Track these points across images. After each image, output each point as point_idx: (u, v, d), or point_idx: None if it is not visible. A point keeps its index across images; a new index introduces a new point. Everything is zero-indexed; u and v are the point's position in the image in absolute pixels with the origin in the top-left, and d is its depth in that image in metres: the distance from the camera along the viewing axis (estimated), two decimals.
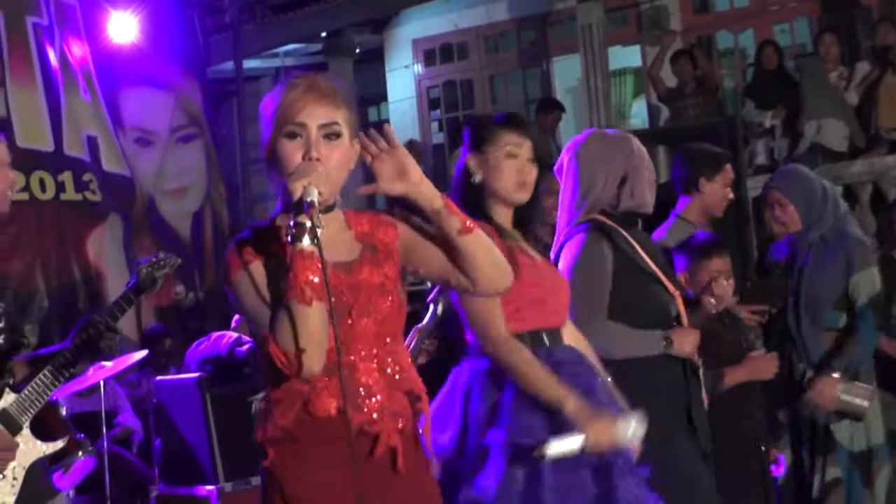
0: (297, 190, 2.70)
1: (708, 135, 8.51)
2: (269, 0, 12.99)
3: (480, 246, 2.91)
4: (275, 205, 3.00)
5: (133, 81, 10.64)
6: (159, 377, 7.74)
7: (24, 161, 9.19)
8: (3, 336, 4.34)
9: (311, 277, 2.70)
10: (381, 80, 14.56)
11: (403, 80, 14.38)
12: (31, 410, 4.27)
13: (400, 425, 2.90)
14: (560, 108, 11.85)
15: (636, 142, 4.42)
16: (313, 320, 2.71)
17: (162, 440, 7.16)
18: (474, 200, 3.75)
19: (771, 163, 10.56)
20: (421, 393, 2.96)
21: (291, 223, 2.69)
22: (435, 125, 14.62)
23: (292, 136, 2.86)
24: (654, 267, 4.34)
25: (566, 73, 13.59)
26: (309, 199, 2.68)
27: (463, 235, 2.86)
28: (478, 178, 3.78)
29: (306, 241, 2.68)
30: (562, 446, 3.44)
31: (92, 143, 9.88)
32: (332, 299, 2.74)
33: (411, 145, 13.13)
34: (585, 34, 11.64)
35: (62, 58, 9.72)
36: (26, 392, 4.25)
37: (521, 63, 14.00)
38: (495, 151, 3.76)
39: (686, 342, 4.28)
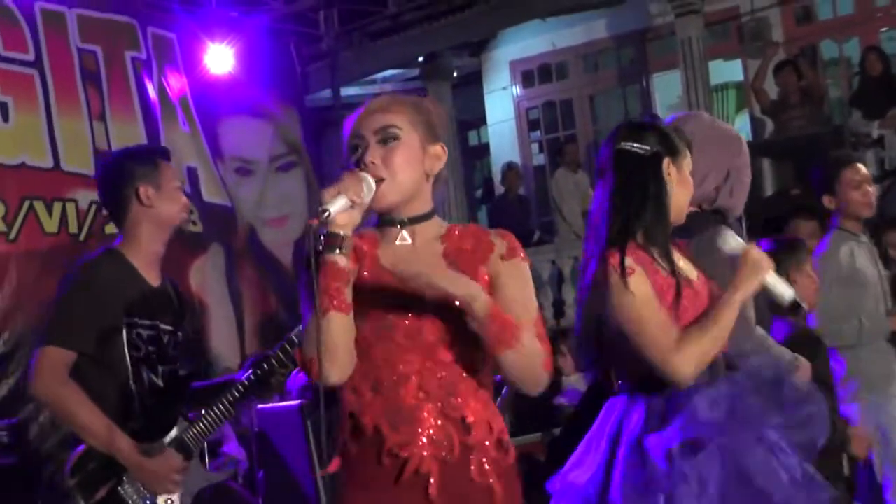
0: (324, 199, 2.69)
1: (814, 146, 8.36)
2: (366, 27, 12.99)
3: (517, 363, 2.79)
4: None
5: (231, 111, 10.69)
6: (261, 405, 7.71)
7: None
8: (179, 363, 4.46)
9: (337, 286, 2.71)
10: (479, 103, 14.53)
11: (502, 102, 14.33)
12: (203, 439, 4.37)
13: (443, 454, 2.81)
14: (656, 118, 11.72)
15: (744, 141, 4.23)
16: (331, 329, 2.71)
17: (265, 470, 7.11)
18: (663, 213, 3.49)
19: (881, 173, 10.31)
20: (475, 424, 2.84)
21: (321, 232, 2.71)
22: (535, 146, 14.53)
23: (354, 150, 2.89)
24: None
25: (666, 89, 13.42)
26: (323, 208, 2.67)
27: (500, 351, 2.76)
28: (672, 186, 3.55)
29: (332, 251, 2.70)
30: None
31: (192, 174, 9.93)
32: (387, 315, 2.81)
33: (510, 168, 13.06)
34: (685, 49, 11.48)
35: (161, 90, 9.80)
36: (201, 422, 4.34)
37: (621, 81, 13.89)
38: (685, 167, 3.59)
39: (805, 373, 4.11)
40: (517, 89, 14.31)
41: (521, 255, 2.95)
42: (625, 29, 13.33)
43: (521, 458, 3.48)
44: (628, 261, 3.32)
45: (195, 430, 4.34)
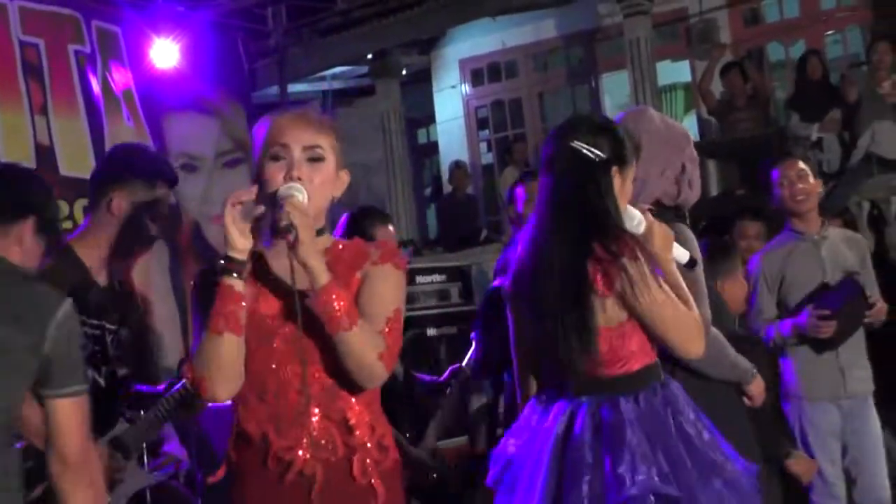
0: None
1: (758, 147, 8.40)
2: (315, 23, 12.93)
3: (349, 347, 2.88)
4: None
5: (177, 107, 10.58)
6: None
7: (68, 189, 9.14)
8: (121, 363, 4.40)
9: (232, 308, 2.81)
10: (429, 101, 14.53)
11: (451, 100, 14.32)
12: (143, 440, 4.35)
13: (326, 455, 2.91)
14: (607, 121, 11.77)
15: (690, 136, 4.25)
16: (224, 350, 2.82)
17: (204, 469, 7.05)
18: (611, 219, 3.47)
19: (820, 176, 10.34)
20: (357, 425, 2.95)
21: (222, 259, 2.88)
22: (484, 145, 14.52)
23: (276, 158, 2.94)
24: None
25: (615, 89, 13.46)
26: (286, 224, 2.81)
27: (333, 331, 2.87)
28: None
29: (230, 275, 2.83)
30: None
31: None
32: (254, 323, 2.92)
33: (458, 167, 13.04)
34: (633, 49, 11.51)
35: (105, 85, 9.68)
36: (141, 423, 4.31)
37: (570, 80, 13.92)
38: (629, 177, 3.58)
39: (761, 390, 4.19)
40: (466, 87, 14.31)
41: (395, 261, 3.05)
42: (574, 29, 13.36)
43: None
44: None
45: (135, 431, 4.29)
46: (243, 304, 2.83)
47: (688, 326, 3.37)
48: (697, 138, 12.42)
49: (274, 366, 2.91)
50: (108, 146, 9.51)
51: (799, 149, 10.35)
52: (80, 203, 9.22)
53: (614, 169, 3.44)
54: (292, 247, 2.78)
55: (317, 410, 2.90)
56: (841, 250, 5.68)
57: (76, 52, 9.51)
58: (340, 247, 3.08)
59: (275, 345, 2.91)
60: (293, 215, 2.78)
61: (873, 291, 5.65)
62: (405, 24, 12.71)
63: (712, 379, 3.93)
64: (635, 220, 3.44)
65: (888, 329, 5.75)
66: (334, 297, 2.83)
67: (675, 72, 13.51)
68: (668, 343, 3.38)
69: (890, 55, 10.12)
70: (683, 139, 4.12)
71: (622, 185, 3.47)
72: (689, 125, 13.32)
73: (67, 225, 8.94)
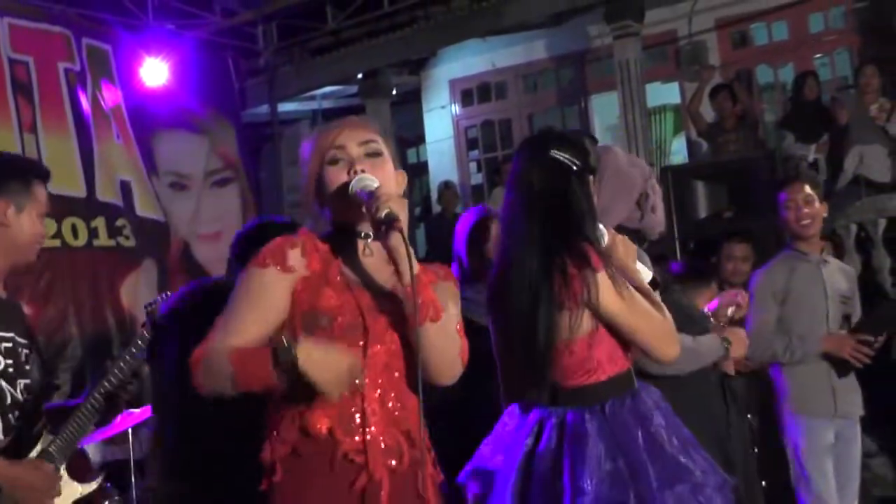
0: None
1: (747, 169, 8.41)
2: (305, 42, 12.95)
3: (438, 340, 2.84)
4: None
5: (167, 125, 10.61)
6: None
7: (57, 207, 9.11)
8: (36, 378, 4.23)
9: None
10: (418, 121, 14.53)
11: (441, 120, 14.33)
12: (68, 453, 4.20)
13: (392, 464, 2.83)
14: (588, 135, 11.82)
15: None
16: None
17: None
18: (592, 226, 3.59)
19: None
20: (418, 439, 2.85)
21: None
22: (473, 165, 14.53)
23: (334, 161, 2.90)
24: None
25: (605, 110, 13.47)
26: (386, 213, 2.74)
27: (424, 321, 2.81)
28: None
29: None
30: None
31: (125, 188, 9.83)
32: (348, 318, 2.83)
33: (447, 187, 13.04)
34: (623, 71, 11.51)
35: (94, 102, 9.70)
36: (64, 434, 4.17)
37: (560, 101, 13.92)
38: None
39: (741, 342, 4.35)
40: (456, 108, 14.31)
41: (454, 281, 3.04)
42: (564, 50, 13.37)
43: None
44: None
45: (59, 443, 4.16)
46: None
47: (663, 331, 3.46)
48: (687, 160, 12.47)
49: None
50: (97, 164, 9.53)
51: (793, 169, 10.42)
52: (69, 221, 9.24)
53: (591, 178, 3.55)
54: (395, 234, 2.73)
55: (384, 415, 2.84)
56: (837, 277, 5.76)
57: (66, 70, 9.53)
58: None
59: (354, 348, 2.82)
60: (392, 203, 2.73)
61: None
62: (395, 45, 12.73)
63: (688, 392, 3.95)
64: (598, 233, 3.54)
65: (878, 353, 5.77)
66: (429, 291, 2.82)
67: (664, 93, 13.52)
68: (645, 348, 3.47)
69: (877, 78, 10.15)
70: (646, 172, 4.31)
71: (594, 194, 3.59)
72: (679, 147, 13.40)
73: (55, 243, 8.95)
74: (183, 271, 10.40)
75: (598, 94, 13.44)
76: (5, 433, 4.02)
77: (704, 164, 10.79)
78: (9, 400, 4.06)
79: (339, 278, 2.86)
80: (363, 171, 2.85)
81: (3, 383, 4.06)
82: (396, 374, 2.87)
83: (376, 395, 2.82)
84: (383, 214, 2.71)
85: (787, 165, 10.36)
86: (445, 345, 2.86)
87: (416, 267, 2.75)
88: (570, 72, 13.77)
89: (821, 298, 5.64)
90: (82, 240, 9.29)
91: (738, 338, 4.37)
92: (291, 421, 2.82)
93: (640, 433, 3.36)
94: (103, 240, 9.48)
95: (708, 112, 11.50)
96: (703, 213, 8.21)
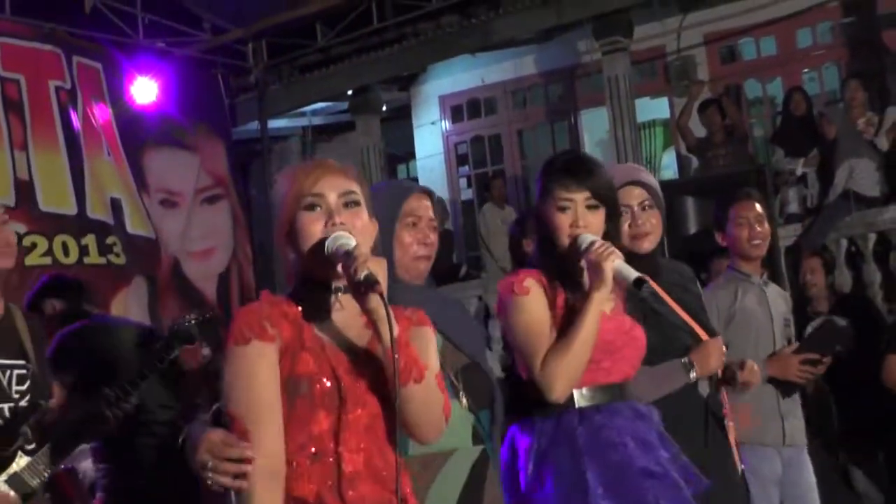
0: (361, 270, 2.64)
1: (737, 184, 8.42)
2: (295, 59, 12.98)
3: (422, 400, 2.77)
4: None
5: (157, 143, 10.62)
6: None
7: (47, 225, 9.17)
8: (26, 397, 4.23)
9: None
10: (408, 137, 14.55)
11: (431, 136, 14.35)
12: (44, 475, 4.15)
13: None
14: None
15: None
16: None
17: None
18: (545, 250, 3.68)
19: (804, 211, 10.43)
20: (408, 497, 2.81)
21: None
22: (463, 181, 14.55)
23: (311, 207, 2.78)
24: (680, 312, 4.17)
25: (594, 125, 13.50)
26: (365, 275, 2.63)
27: (407, 382, 2.72)
28: (529, 247, 3.72)
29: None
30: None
31: (116, 206, 9.83)
32: (326, 384, 2.72)
33: (437, 202, 13.04)
34: (612, 86, 11.55)
35: (85, 120, 9.71)
36: (38, 456, 4.15)
37: (549, 117, 13.95)
38: (548, 205, 3.66)
39: (710, 358, 4.06)
40: (446, 124, 14.34)
41: (429, 325, 2.96)
42: (553, 65, 13.41)
43: None
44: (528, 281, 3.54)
45: (35, 467, 4.15)
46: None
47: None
48: (676, 175, 12.50)
49: (334, 430, 2.72)
50: (87, 181, 9.54)
51: (783, 183, 10.46)
52: (60, 239, 9.24)
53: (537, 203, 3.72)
54: (375, 297, 2.64)
55: (373, 477, 2.74)
56: (778, 300, 5.62)
57: (57, 88, 9.55)
58: None
59: (337, 410, 2.73)
60: (371, 264, 2.64)
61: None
62: (385, 61, 12.77)
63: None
64: (586, 241, 3.57)
65: (857, 369, 5.75)
66: (410, 350, 2.73)
67: (653, 108, 13.56)
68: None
69: (861, 92, 10.20)
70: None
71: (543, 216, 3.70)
72: (669, 162, 13.44)
73: (46, 260, 8.94)
74: (173, 289, 10.41)
75: (587, 109, 13.47)
76: None
77: (694, 179, 10.84)
78: None
79: (314, 343, 2.76)
80: (341, 224, 2.75)
81: None
82: (379, 435, 2.79)
83: (360, 458, 2.74)
84: (362, 276, 2.61)
85: (778, 180, 10.41)
86: (430, 404, 2.79)
87: (396, 329, 2.67)
88: (559, 87, 13.81)
89: (767, 322, 5.45)
90: (73, 257, 9.28)
91: (702, 356, 4.07)
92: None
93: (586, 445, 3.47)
94: (94, 257, 9.47)
95: (697, 127, 11.54)
96: (692, 228, 8.23)
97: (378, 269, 2.63)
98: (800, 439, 5.49)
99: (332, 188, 2.79)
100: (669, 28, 12.38)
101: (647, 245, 4.18)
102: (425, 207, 3.50)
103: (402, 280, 3.37)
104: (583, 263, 3.61)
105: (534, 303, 3.56)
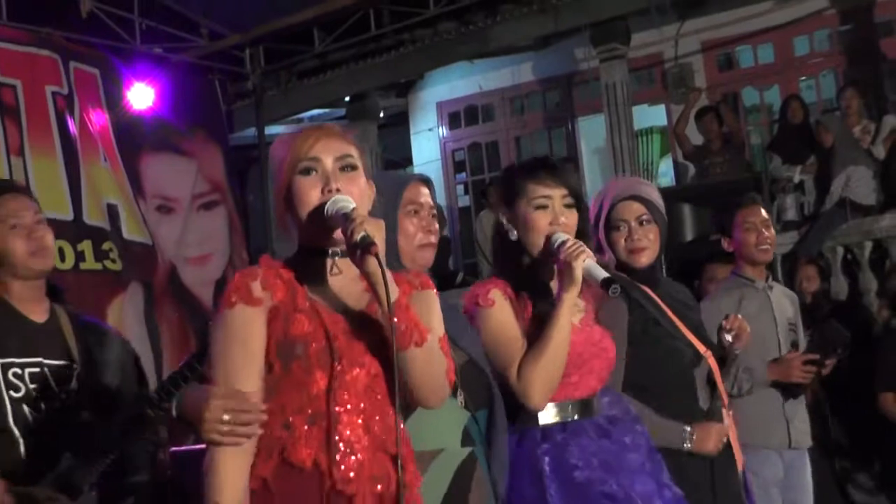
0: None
1: (734, 192, 8.42)
2: (292, 65, 12.97)
3: (423, 363, 2.75)
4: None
5: (154, 149, 10.59)
6: (174, 447, 7.60)
7: None
8: (72, 398, 4.23)
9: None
10: (406, 144, 14.56)
11: (429, 142, 14.36)
12: (91, 475, 4.17)
13: (378, 489, 2.72)
14: (569, 160, 11.99)
15: None
16: None
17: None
18: (513, 258, 3.65)
19: (801, 219, 10.44)
20: (408, 461, 2.78)
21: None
22: (460, 188, 14.55)
23: (307, 171, 2.78)
24: (681, 326, 4.17)
25: (592, 132, 13.51)
26: (362, 236, 2.62)
27: (407, 346, 2.71)
28: (514, 234, 3.64)
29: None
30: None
31: (112, 211, 9.80)
32: (322, 344, 2.71)
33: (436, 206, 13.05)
34: (610, 93, 11.56)
35: (82, 126, 9.68)
36: (89, 457, 4.15)
37: (547, 123, 13.97)
38: (522, 205, 3.63)
39: (709, 439, 4.02)
40: (443, 130, 14.35)
41: (433, 288, 2.95)
42: (551, 73, 13.43)
43: None
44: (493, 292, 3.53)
45: (82, 466, 4.12)
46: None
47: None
48: (673, 182, 12.51)
49: (332, 392, 2.71)
50: (84, 187, 9.52)
51: (781, 191, 10.46)
52: (56, 244, 9.12)
53: (501, 211, 3.71)
54: (371, 259, 2.61)
55: (370, 440, 2.73)
56: (784, 303, 5.62)
57: (54, 94, 9.52)
58: None
59: (334, 372, 2.73)
60: (367, 226, 2.62)
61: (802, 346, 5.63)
62: (382, 68, 12.77)
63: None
64: (558, 239, 3.54)
65: (853, 377, 5.74)
66: (410, 312, 2.71)
67: (651, 115, 13.58)
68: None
69: (857, 99, 10.22)
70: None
71: (516, 219, 3.65)
72: (666, 169, 13.44)
73: None
74: (170, 294, 10.38)
75: (584, 116, 13.49)
76: (27, 456, 4.05)
77: (691, 186, 10.86)
78: (32, 425, 4.09)
79: (307, 304, 2.76)
80: (338, 190, 2.74)
81: (26, 408, 4.09)
82: (379, 397, 2.77)
83: (359, 420, 2.73)
84: (358, 238, 2.60)
85: (774, 188, 10.42)
86: (432, 368, 2.77)
87: (395, 291, 2.67)
88: (556, 94, 13.82)
89: (771, 327, 5.47)
90: (69, 263, 9.25)
91: (705, 434, 4.01)
92: (268, 454, 2.71)
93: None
94: (90, 263, 9.44)
95: (694, 134, 11.54)
96: (689, 235, 8.24)
97: (376, 230, 2.62)
98: (804, 442, 5.51)
99: (329, 152, 2.79)
100: (667, 35, 12.39)
101: (645, 260, 4.20)
102: (425, 195, 3.47)
103: (406, 269, 3.35)
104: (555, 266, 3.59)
105: (501, 313, 3.52)
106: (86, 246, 9.43)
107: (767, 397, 5.32)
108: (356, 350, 2.74)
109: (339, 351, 2.72)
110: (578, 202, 3.65)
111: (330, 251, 2.80)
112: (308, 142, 2.79)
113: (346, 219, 2.64)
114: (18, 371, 4.09)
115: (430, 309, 2.89)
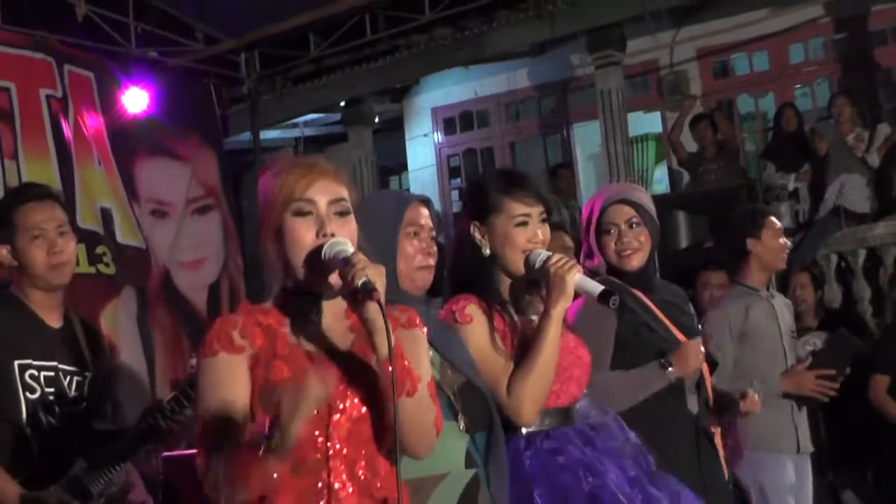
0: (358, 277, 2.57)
1: (728, 199, 8.42)
2: (288, 70, 12.97)
3: (414, 413, 2.71)
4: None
5: (148, 153, 10.58)
6: (166, 452, 7.58)
7: None
8: (83, 404, 4.28)
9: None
10: (401, 149, 14.55)
11: (424, 148, 14.36)
12: (102, 481, 4.17)
13: None
14: (566, 167, 11.98)
15: None
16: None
17: None
18: (482, 272, 3.62)
19: (796, 226, 10.44)
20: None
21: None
22: (455, 193, 14.54)
23: (301, 213, 2.72)
24: (673, 329, 4.17)
25: (587, 139, 13.51)
26: (363, 282, 2.57)
27: (400, 396, 2.64)
28: (487, 250, 3.62)
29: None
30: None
31: (106, 215, 9.78)
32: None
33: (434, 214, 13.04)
34: (605, 100, 11.57)
35: (76, 129, 9.66)
36: (102, 464, 4.16)
37: (542, 130, 13.96)
38: (504, 221, 3.60)
39: (689, 356, 4.05)
40: (439, 136, 14.34)
41: (419, 325, 2.91)
42: (546, 79, 13.43)
43: None
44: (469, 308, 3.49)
45: (94, 472, 4.19)
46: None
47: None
48: (668, 189, 12.51)
49: (313, 437, 2.66)
50: (77, 190, 9.50)
51: (775, 199, 10.47)
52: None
53: (472, 225, 3.65)
54: (373, 305, 2.57)
55: (355, 486, 2.68)
56: (785, 312, 5.64)
57: (48, 97, 9.50)
58: None
59: (316, 416, 2.63)
60: (369, 271, 2.58)
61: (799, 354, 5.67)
62: (378, 73, 12.77)
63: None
64: (540, 255, 3.55)
65: (847, 385, 5.75)
66: (403, 361, 2.66)
67: (646, 122, 13.57)
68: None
69: (849, 108, 10.23)
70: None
71: (493, 232, 3.62)
72: (661, 176, 13.44)
73: None
74: (163, 299, 10.36)
75: (580, 123, 13.48)
76: (39, 458, 4.07)
77: (685, 193, 10.86)
78: (46, 427, 4.12)
79: (287, 350, 2.71)
80: (332, 235, 2.69)
81: (40, 411, 4.13)
82: (364, 441, 2.72)
83: (342, 466, 2.68)
84: (359, 283, 2.55)
85: (768, 195, 10.42)
86: (421, 418, 2.73)
87: (393, 339, 2.61)
88: (552, 101, 13.82)
89: (777, 336, 5.51)
90: None
91: (680, 356, 4.05)
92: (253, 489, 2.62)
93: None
94: (83, 267, 9.39)
95: (689, 141, 11.55)
96: (683, 243, 8.23)
97: (376, 276, 2.58)
98: (809, 447, 5.63)
99: (324, 194, 2.74)
100: (662, 42, 12.39)
101: (636, 262, 4.20)
102: (426, 216, 3.47)
103: (404, 291, 3.33)
104: (537, 280, 3.59)
105: (480, 329, 3.48)
106: (79, 250, 9.38)
107: (779, 404, 5.38)
108: (337, 395, 2.69)
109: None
110: (550, 216, 3.68)
111: (324, 294, 2.75)
112: (303, 181, 2.74)
113: (345, 263, 2.60)
114: (34, 373, 4.15)
115: (419, 352, 2.84)
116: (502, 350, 3.48)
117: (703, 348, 4.16)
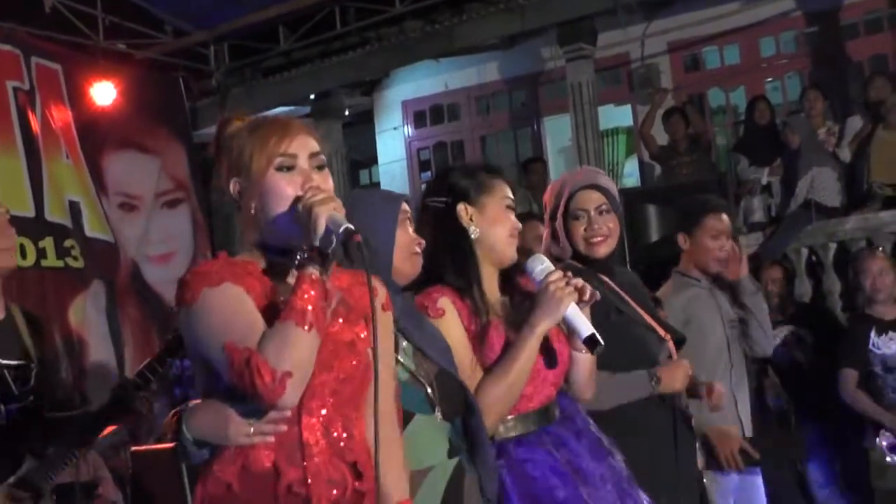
0: (321, 215, 2.58)
1: (700, 192, 8.42)
2: (257, 63, 12.92)
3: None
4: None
5: (117, 146, 10.52)
6: (134, 446, 7.54)
7: None
8: (30, 397, 4.21)
9: (323, 306, 2.57)
10: (371, 143, 14.50)
11: (394, 141, 14.31)
12: (53, 475, 4.11)
13: (335, 493, 2.68)
14: (538, 160, 12.05)
15: None
16: (306, 347, 2.54)
17: None
18: (463, 258, 3.53)
19: (768, 219, 10.45)
20: (365, 469, 2.72)
21: (307, 249, 2.60)
22: (425, 187, 14.48)
23: (282, 168, 2.73)
24: (641, 312, 4.16)
25: (557, 132, 13.50)
26: (344, 227, 2.56)
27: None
28: (476, 232, 3.54)
29: (315, 268, 2.58)
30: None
31: (74, 208, 9.72)
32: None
33: None
34: (576, 93, 11.55)
35: (44, 122, 9.60)
36: (49, 456, 4.10)
37: (513, 123, 13.93)
38: (496, 202, 3.56)
39: (676, 377, 4.05)
40: (409, 129, 14.29)
41: (389, 310, 2.94)
42: (517, 72, 13.40)
43: None
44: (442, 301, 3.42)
45: (44, 467, 4.13)
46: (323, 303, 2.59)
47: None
48: (639, 183, 12.51)
49: None
50: (45, 183, 9.44)
51: (748, 193, 10.47)
52: (18, 241, 9.07)
53: (461, 206, 3.53)
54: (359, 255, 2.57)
55: (327, 444, 2.69)
56: (724, 302, 5.56)
57: (15, 89, 9.44)
58: (338, 273, 2.84)
59: None
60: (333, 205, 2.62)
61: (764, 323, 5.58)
62: (348, 66, 12.73)
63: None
64: (543, 263, 3.48)
65: (817, 379, 5.74)
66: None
67: (617, 116, 13.58)
68: None
69: (821, 101, 10.23)
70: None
71: (482, 214, 3.54)
72: (631, 170, 13.44)
73: None
74: (132, 293, 10.31)
75: (550, 116, 13.47)
76: None
77: (656, 187, 10.85)
78: None
79: (277, 301, 2.69)
80: (318, 188, 2.68)
81: None
82: (346, 402, 2.74)
83: (319, 423, 2.69)
84: (342, 230, 2.57)
85: (741, 189, 10.43)
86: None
87: (384, 295, 2.69)
88: (522, 94, 13.80)
89: (720, 327, 5.36)
90: (30, 260, 9.16)
91: (670, 374, 4.05)
92: (231, 459, 2.68)
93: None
94: (52, 260, 9.36)
95: (660, 135, 11.54)
96: (654, 236, 8.22)
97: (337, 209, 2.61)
98: (751, 432, 5.45)
99: (304, 148, 2.77)
100: (633, 36, 12.38)
101: (604, 249, 4.17)
102: (408, 210, 3.45)
103: (395, 280, 3.31)
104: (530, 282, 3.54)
105: (451, 324, 3.41)
106: (47, 243, 9.35)
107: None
108: (324, 354, 2.67)
109: None
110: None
111: (296, 255, 2.70)
112: (285, 140, 2.75)
113: (345, 234, 2.57)
114: None
115: (389, 335, 2.92)
116: (470, 351, 3.43)
117: (690, 372, 4.16)
